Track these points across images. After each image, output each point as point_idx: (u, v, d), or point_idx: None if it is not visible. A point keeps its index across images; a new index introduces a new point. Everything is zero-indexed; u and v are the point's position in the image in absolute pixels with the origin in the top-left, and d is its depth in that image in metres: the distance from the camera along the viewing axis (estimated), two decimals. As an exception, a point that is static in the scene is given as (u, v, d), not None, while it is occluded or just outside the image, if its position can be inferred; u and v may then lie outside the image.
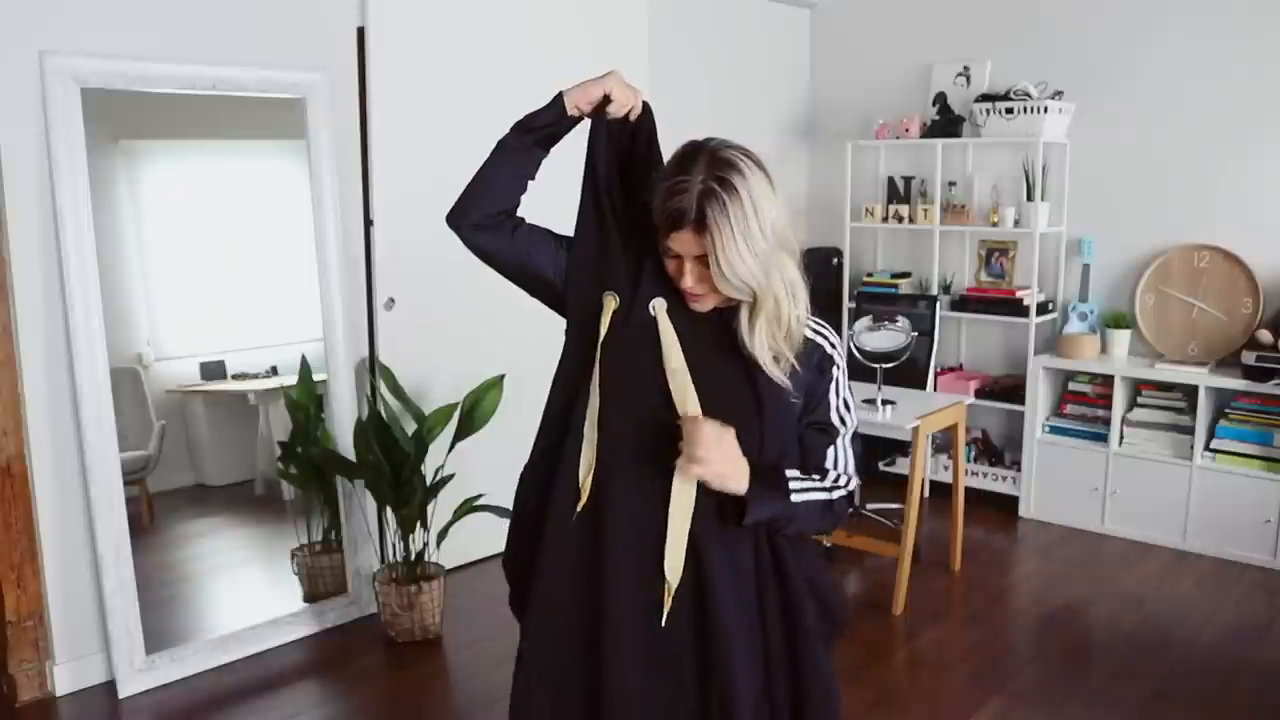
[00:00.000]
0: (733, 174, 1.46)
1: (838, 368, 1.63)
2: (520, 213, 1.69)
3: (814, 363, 1.60)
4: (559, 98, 1.60)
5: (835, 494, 1.63)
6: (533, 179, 1.66)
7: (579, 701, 1.59)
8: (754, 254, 1.46)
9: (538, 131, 1.61)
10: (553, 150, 1.65)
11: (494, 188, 1.63)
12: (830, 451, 1.65)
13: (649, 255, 1.56)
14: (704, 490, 1.52)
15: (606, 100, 1.58)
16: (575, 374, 1.61)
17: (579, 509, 1.56)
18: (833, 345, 1.63)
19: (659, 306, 1.55)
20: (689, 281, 1.50)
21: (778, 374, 1.55)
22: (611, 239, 1.58)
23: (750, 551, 1.59)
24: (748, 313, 1.53)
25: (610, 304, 1.56)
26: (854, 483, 1.67)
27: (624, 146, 1.63)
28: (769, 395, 1.55)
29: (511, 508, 1.74)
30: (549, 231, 1.67)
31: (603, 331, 1.55)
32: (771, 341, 1.54)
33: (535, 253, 1.64)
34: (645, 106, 1.65)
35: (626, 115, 1.61)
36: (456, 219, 1.65)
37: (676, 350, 1.54)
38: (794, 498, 1.55)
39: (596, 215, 1.60)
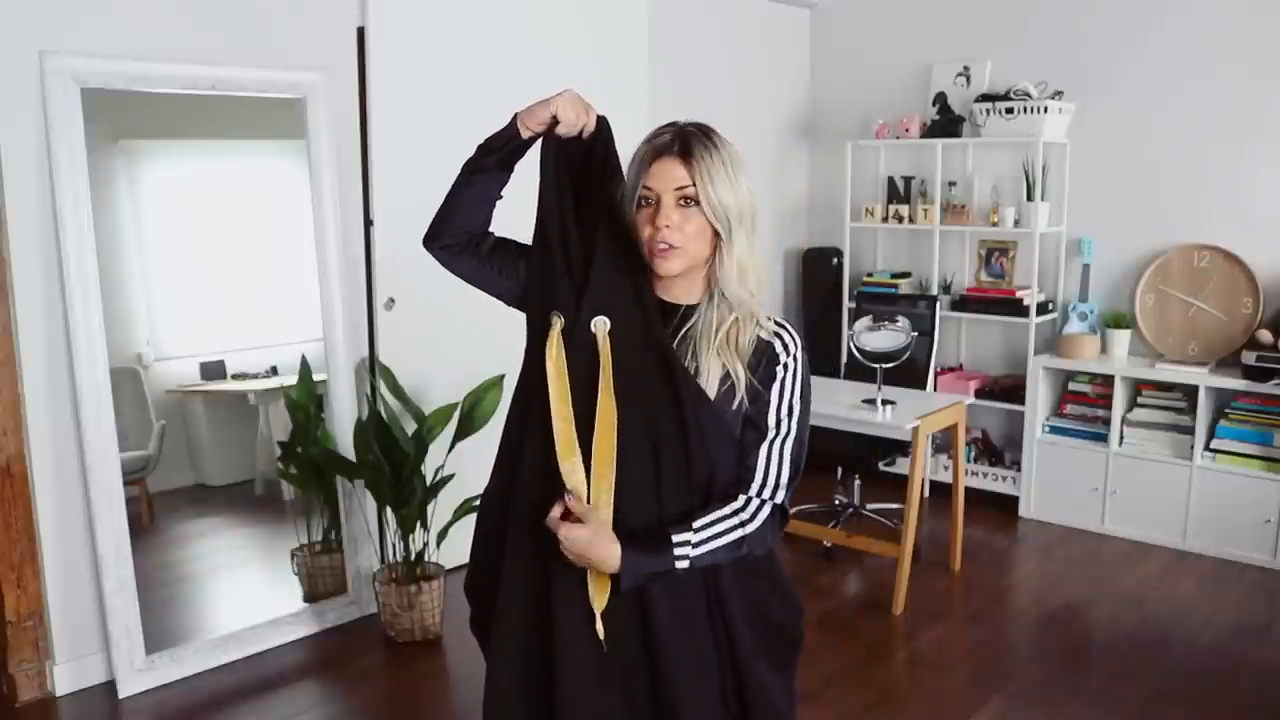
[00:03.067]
0: (712, 132, 1.57)
1: (787, 369, 1.60)
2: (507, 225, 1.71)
3: (764, 361, 1.60)
4: (513, 119, 1.61)
5: (749, 527, 1.58)
6: (499, 198, 1.67)
7: (544, 714, 1.60)
8: (732, 190, 1.53)
9: (496, 152, 1.61)
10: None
11: (460, 210, 1.65)
12: (760, 455, 1.60)
13: (598, 269, 1.57)
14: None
15: (555, 120, 1.58)
16: (529, 389, 1.61)
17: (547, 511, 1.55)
18: (786, 345, 1.61)
19: (600, 325, 1.56)
20: (666, 220, 1.52)
21: (715, 386, 1.56)
22: (555, 258, 1.57)
23: (693, 575, 1.57)
24: (714, 263, 1.58)
25: (556, 323, 1.56)
26: (780, 496, 1.61)
27: (578, 161, 1.62)
28: (704, 420, 1.55)
29: (473, 533, 1.76)
30: (521, 248, 1.69)
31: (551, 350, 1.55)
32: (739, 285, 1.57)
33: (505, 271, 1.67)
34: (602, 122, 1.64)
35: (579, 133, 1.61)
36: (429, 242, 1.70)
37: (608, 372, 1.54)
38: (685, 549, 1.52)
39: (541, 235, 1.60)
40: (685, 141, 1.54)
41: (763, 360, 1.59)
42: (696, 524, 1.54)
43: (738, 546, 1.57)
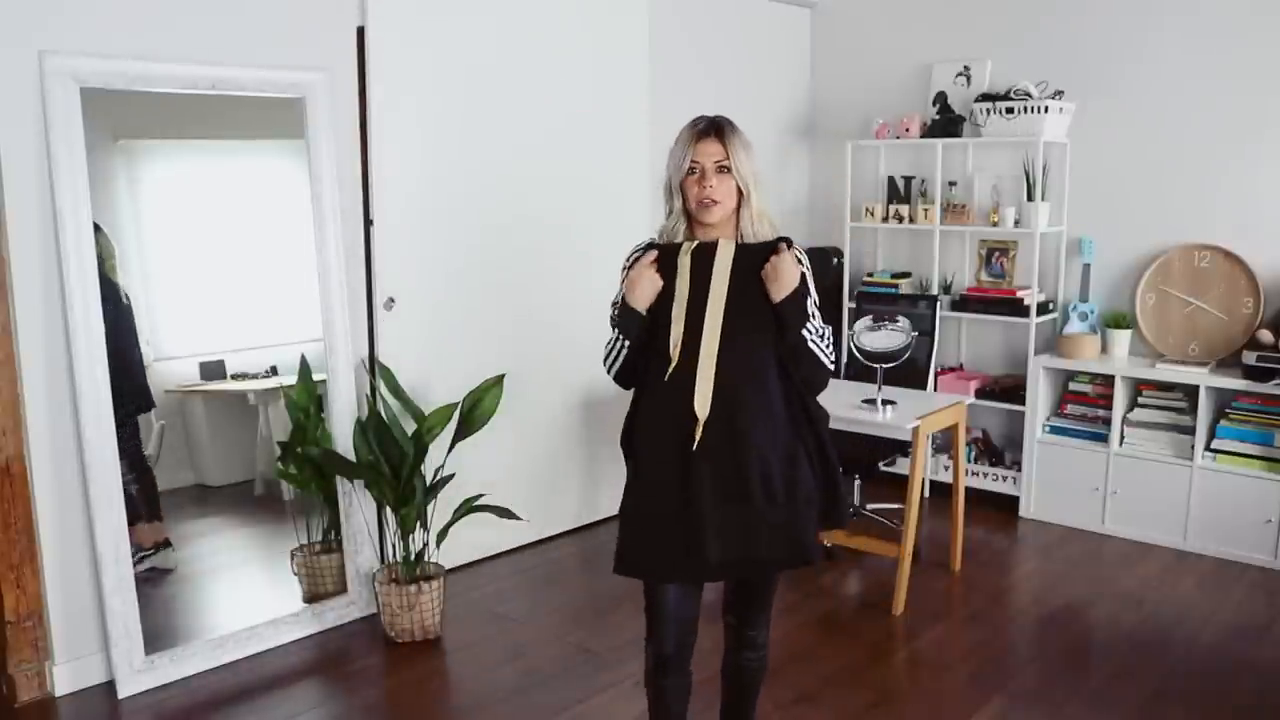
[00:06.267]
0: (733, 122, 2.28)
1: (801, 263, 2.28)
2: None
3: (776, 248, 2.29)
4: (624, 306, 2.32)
5: (831, 356, 2.31)
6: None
7: (673, 500, 2.22)
8: (750, 162, 2.25)
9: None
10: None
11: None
12: (809, 303, 2.26)
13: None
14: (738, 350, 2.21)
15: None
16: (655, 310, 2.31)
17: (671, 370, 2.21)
18: (799, 256, 2.28)
19: (686, 249, 2.27)
20: (710, 183, 2.20)
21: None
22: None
23: (782, 400, 2.25)
24: (740, 213, 2.27)
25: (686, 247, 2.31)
26: (833, 354, 2.33)
27: None
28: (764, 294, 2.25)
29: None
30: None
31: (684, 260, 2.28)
32: (758, 226, 2.27)
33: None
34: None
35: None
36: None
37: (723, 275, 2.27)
38: (811, 328, 2.25)
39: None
40: (719, 127, 2.24)
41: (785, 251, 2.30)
42: (812, 330, 2.27)
43: (820, 363, 2.27)
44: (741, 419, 2.19)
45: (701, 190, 2.20)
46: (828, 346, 2.28)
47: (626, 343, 2.27)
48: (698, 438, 2.17)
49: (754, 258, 2.24)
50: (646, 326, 2.26)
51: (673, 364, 2.19)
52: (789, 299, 2.20)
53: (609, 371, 2.35)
